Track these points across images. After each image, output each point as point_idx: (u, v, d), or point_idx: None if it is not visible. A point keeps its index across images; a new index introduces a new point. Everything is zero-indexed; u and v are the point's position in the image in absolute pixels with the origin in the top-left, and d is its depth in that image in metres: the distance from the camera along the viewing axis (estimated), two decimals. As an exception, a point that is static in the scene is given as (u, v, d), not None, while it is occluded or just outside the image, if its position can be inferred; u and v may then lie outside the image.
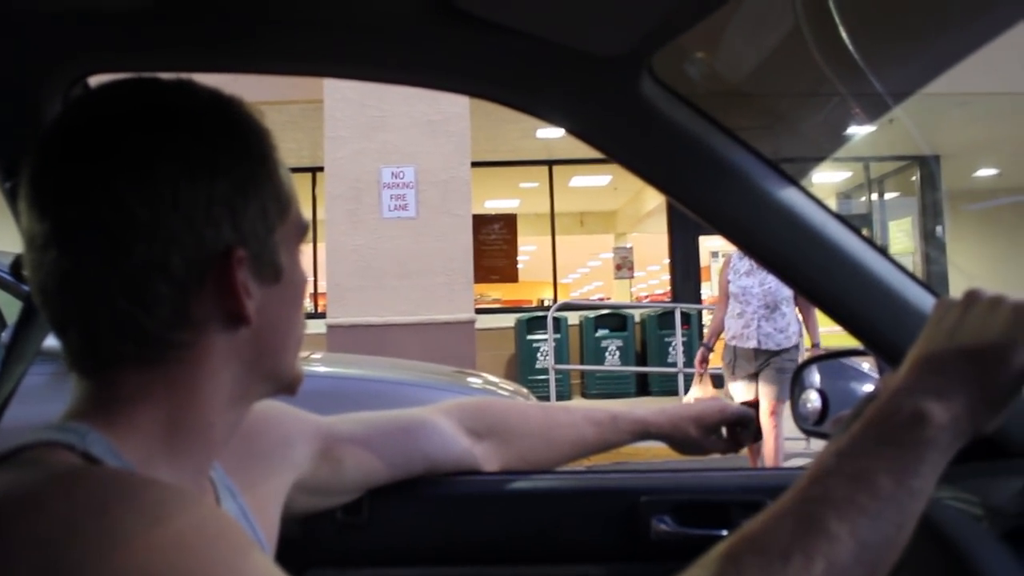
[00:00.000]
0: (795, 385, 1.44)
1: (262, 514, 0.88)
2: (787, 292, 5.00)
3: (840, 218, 1.10)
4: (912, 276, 1.10)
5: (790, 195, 1.07)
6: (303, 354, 4.06)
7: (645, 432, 1.26)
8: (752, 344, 5.10)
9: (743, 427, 1.31)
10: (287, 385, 0.75)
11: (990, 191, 13.46)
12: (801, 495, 0.61)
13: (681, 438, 1.27)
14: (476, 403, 1.24)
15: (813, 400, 1.40)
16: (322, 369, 3.89)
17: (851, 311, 1.09)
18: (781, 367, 5.05)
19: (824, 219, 1.08)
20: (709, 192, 1.07)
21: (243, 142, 0.70)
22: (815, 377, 1.43)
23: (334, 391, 3.46)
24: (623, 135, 1.04)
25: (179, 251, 0.64)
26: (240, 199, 0.67)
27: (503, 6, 0.90)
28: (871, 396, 0.80)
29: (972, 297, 0.70)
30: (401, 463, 1.14)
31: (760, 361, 5.12)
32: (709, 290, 12.18)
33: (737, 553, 0.59)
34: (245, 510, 0.83)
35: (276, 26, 0.95)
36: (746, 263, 5.16)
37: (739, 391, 5.26)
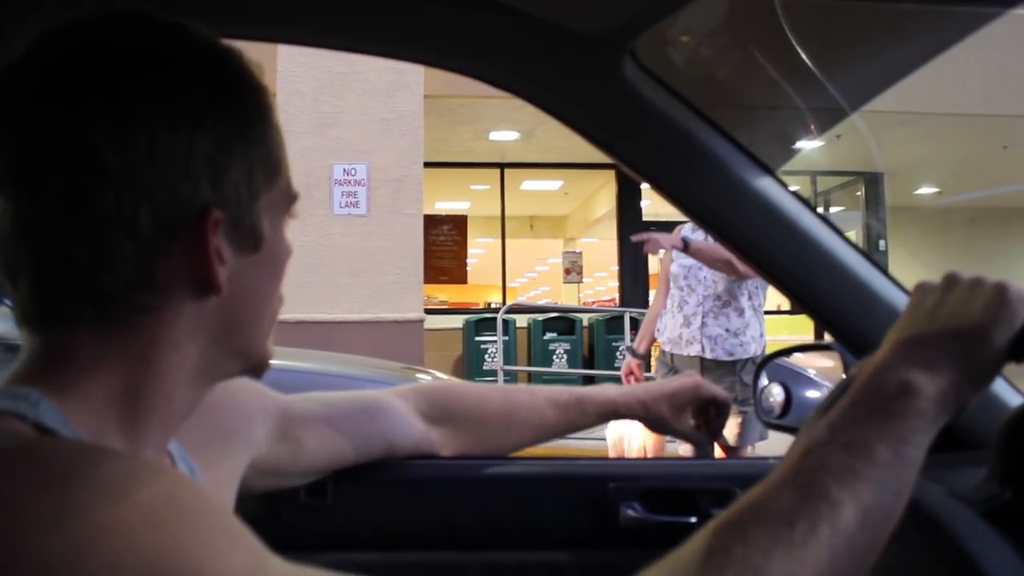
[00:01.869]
0: (757, 378, 1.45)
1: (219, 494, 0.85)
2: (750, 282, 3.54)
3: (813, 210, 1.12)
4: (881, 269, 1.12)
5: (766, 184, 1.08)
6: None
7: (615, 412, 1.22)
8: (693, 350, 3.56)
9: (718, 413, 1.27)
10: (255, 365, 0.70)
11: (931, 208, 13.81)
12: (798, 465, 0.60)
13: (654, 417, 1.22)
14: (433, 387, 1.21)
15: (776, 394, 1.41)
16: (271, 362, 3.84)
17: (822, 301, 1.10)
18: (737, 396, 3.43)
19: (798, 209, 1.10)
20: (685, 177, 1.07)
21: (235, 96, 0.64)
22: (778, 370, 1.45)
23: (282, 384, 3.40)
24: (603, 117, 1.04)
25: (149, 206, 0.59)
26: (223, 157, 0.62)
27: (488, -21, 0.89)
28: (847, 381, 0.80)
29: (951, 280, 0.71)
30: (362, 446, 1.11)
31: (708, 378, 3.67)
32: (656, 297, 12.29)
33: (741, 522, 0.58)
34: (188, 458, 0.79)
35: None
36: (699, 236, 3.53)
37: None
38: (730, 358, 3.52)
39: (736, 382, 3.46)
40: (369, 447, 1.12)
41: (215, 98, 0.63)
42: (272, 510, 1.14)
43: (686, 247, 3.32)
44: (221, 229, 0.62)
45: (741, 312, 3.55)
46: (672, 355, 3.66)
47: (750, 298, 3.57)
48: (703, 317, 3.58)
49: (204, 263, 0.61)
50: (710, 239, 3.32)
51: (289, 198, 0.70)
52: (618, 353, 9.70)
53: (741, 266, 3.25)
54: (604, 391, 1.23)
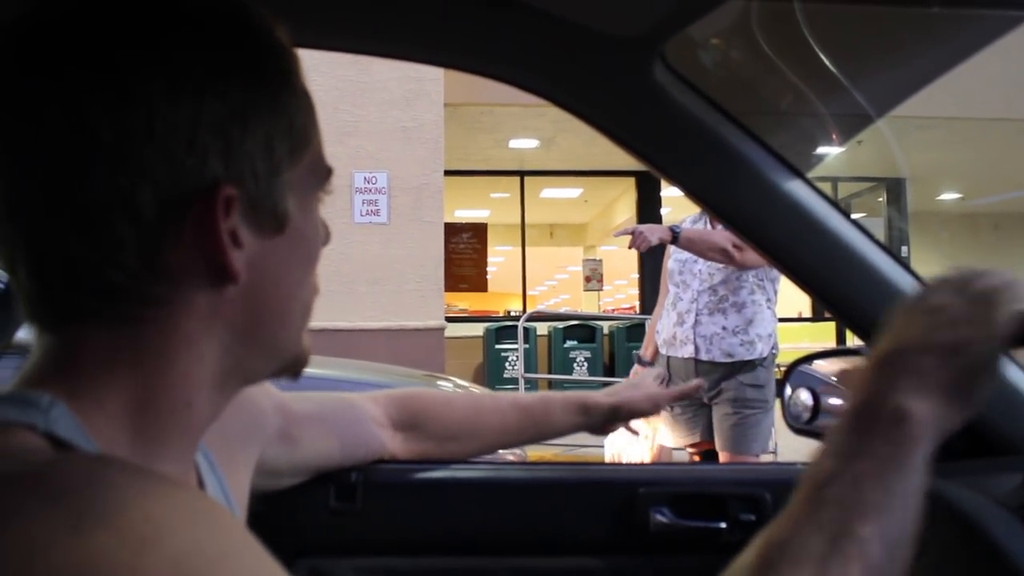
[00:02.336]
0: (784, 385, 1.44)
1: (239, 491, 0.80)
2: (753, 274, 3.13)
3: (843, 213, 1.11)
4: (914, 274, 1.11)
5: (796, 187, 1.08)
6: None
7: (582, 409, 1.22)
8: (687, 351, 3.16)
9: None
10: (289, 364, 0.63)
11: (954, 215, 13.72)
12: (816, 500, 0.58)
13: (626, 402, 1.24)
14: (402, 394, 1.18)
15: (804, 399, 1.40)
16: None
17: (854, 305, 1.09)
18: (739, 396, 3.07)
19: (828, 212, 1.09)
20: (715, 180, 1.07)
21: (250, 57, 0.57)
22: (804, 375, 1.44)
23: (306, 391, 3.41)
24: (633, 120, 1.04)
25: (150, 185, 0.52)
26: (237, 127, 0.55)
27: (518, -17, 0.89)
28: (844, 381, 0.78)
29: (936, 291, 0.69)
30: (348, 447, 1.10)
31: (708, 382, 3.11)
32: (676, 305, 12.25)
33: (775, 565, 0.56)
34: (224, 486, 0.74)
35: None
36: (700, 226, 3.24)
37: (671, 432, 3.32)
38: (729, 359, 3.12)
39: (738, 386, 3.09)
40: (354, 449, 1.11)
41: (226, 60, 0.55)
42: (302, 515, 1.14)
43: (675, 238, 3.06)
44: (237, 209, 0.55)
45: (741, 308, 3.12)
46: (668, 358, 3.28)
47: (753, 292, 3.12)
48: (696, 315, 3.19)
49: (216, 247, 0.54)
50: (707, 226, 3.17)
51: (321, 174, 0.63)
52: (639, 361, 9.68)
53: (740, 254, 2.99)
54: (574, 392, 1.24)
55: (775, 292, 3.25)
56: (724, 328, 3.13)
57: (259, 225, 0.57)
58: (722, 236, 3.01)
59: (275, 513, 1.14)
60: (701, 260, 3.19)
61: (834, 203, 1.11)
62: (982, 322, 0.64)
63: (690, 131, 1.03)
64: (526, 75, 1.03)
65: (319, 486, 1.14)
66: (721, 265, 3.11)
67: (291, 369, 0.64)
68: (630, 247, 3.15)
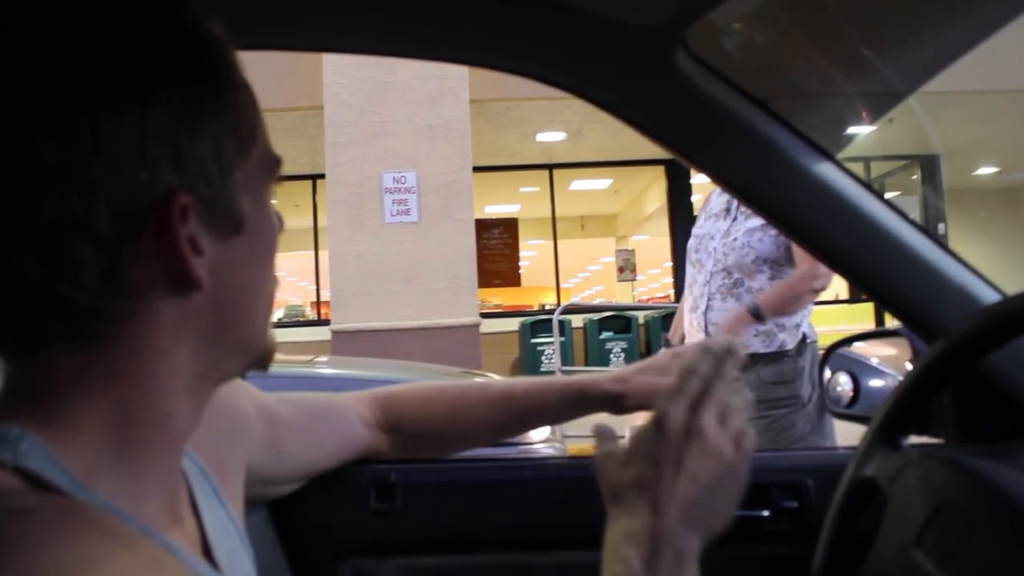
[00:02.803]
0: (823, 368, 1.42)
1: (232, 491, 0.78)
2: (773, 252, 2.72)
3: (876, 193, 1.09)
4: (950, 251, 1.09)
5: (827, 170, 1.06)
6: (306, 358, 3.97)
7: (579, 394, 1.12)
8: (701, 338, 2.80)
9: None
10: (259, 358, 0.64)
11: (991, 189, 13.49)
12: None
13: (632, 389, 1.10)
14: (383, 394, 1.15)
15: (843, 383, 1.38)
16: (329, 371, 3.88)
17: (890, 286, 1.08)
18: (762, 396, 2.64)
19: (861, 194, 1.07)
20: (744, 166, 1.06)
21: (189, 59, 0.55)
22: (843, 359, 1.42)
23: (343, 391, 3.44)
24: (658, 110, 1.03)
25: (103, 202, 0.50)
26: (183, 132, 0.53)
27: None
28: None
29: (668, 429, 0.74)
30: (339, 448, 1.08)
31: None
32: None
33: None
34: (218, 492, 0.72)
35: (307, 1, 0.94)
36: (723, 201, 2.91)
37: None
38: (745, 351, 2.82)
39: (758, 383, 2.65)
40: (343, 450, 1.09)
41: (166, 64, 0.54)
42: (343, 517, 1.15)
43: (759, 315, 2.63)
44: (192, 215, 0.54)
45: (757, 293, 2.72)
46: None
47: (775, 278, 2.71)
48: (709, 299, 2.81)
49: (176, 257, 0.53)
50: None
51: (270, 166, 0.62)
52: (675, 349, 9.64)
53: (821, 280, 2.64)
54: (578, 377, 1.14)
55: None
56: None
57: (217, 228, 0.56)
58: (803, 279, 2.63)
59: (317, 516, 1.15)
60: (717, 236, 2.83)
61: (867, 185, 1.09)
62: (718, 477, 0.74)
63: (717, 118, 1.03)
64: (548, 70, 1.02)
65: (359, 488, 1.15)
66: (740, 244, 2.74)
67: (260, 363, 0.64)
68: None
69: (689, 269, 2.95)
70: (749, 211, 2.65)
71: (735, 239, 2.75)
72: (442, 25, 0.97)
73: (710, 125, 1.03)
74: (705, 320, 2.81)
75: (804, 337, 2.72)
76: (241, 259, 0.59)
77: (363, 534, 1.15)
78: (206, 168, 0.55)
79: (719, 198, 2.94)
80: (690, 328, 2.90)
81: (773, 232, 2.66)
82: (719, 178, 1.07)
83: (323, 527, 1.14)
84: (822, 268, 2.54)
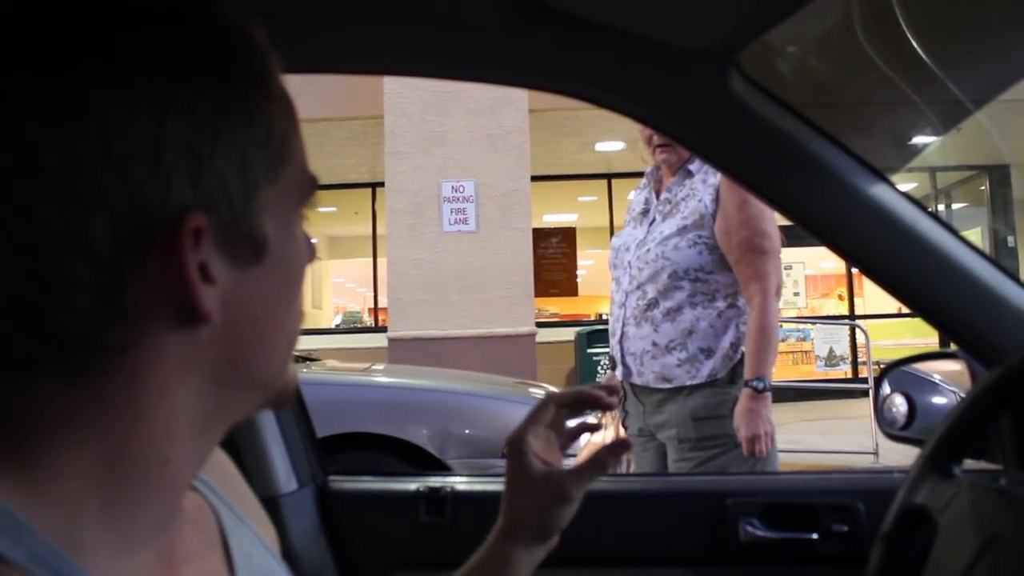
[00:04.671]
0: (879, 387, 1.40)
1: (268, 534, 0.69)
2: (695, 260, 2.27)
3: (933, 216, 1.08)
4: (1009, 273, 1.08)
5: (881, 191, 1.06)
6: (363, 365, 3.96)
7: (507, 537, 0.86)
8: (620, 373, 2.40)
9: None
10: (274, 397, 0.57)
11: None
12: None
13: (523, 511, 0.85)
14: None
15: (899, 404, 1.36)
16: (386, 380, 3.92)
17: (947, 310, 1.07)
18: (685, 435, 2.24)
19: (916, 215, 1.06)
20: (797, 188, 1.05)
21: (220, 59, 0.49)
22: (900, 378, 1.40)
23: (400, 402, 3.48)
24: (711, 132, 1.04)
25: (106, 215, 0.44)
26: (205, 144, 0.47)
27: (590, 1, 0.90)
28: None
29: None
30: None
31: (647, 410, 2.35)
32: (771, 303, 12.00)
33: None
34: (242, 517, 0.65)
35: (364, 26, 0.96)
36: (641, 200, 2.52)
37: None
38: (666, 384, 2.28)
39: (682, 420, 2.25)
40: None
41: (191, 63, 0.48)
42: (392, 530, 1.17)
43: (761, 389, 2.18)
44: (207, 238, 0.47)
45: (675, 315, 2.27)
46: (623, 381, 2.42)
47: (693, 295, 2.28)
48: (623, 324, 2.38)
49: (183, 285, 0.47)
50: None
51: (304, 188, 0.55)
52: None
53: (775, 278, 2.26)
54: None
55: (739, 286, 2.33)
56: (655, 344, 2.29)
57: (234, 255, 0.49)
58: (764, 313, 2.22)
59: (367, 529, 1.17)
60: (632, 246, 2.41)
61: (922, 207, 1.08)
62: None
63: (770, 140, 1.02)
64: (604, 93, 1.03)
65: (409, 501, 1.17)
66: (654, 256, 2.31)
67: (275, 403, 0.57)
68: (756, 455, 2.17)
69: (612, 287, 2.50)
70: (667, 211, 2.37)
71: (648, 249, 2.32)
72: (499, 50, 0.99)
73: (764, 147, 1.03)
74: (621, 350, 2.38)
75: (742, 360, 2.23)
76: (260, 290, 0.52)
77: (413, 547, 1.17)
78: (227, 185, 0.48)
79: (639, 196, 2.52)
80: (614, 357, 2.44)
81: (691, 235, 2.27)
82: (772, 200, 1.07)
83: (373, 540, 1.16)
84: (773, 281, 2.23)
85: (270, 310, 0.53)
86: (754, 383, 2.16)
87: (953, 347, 1.22)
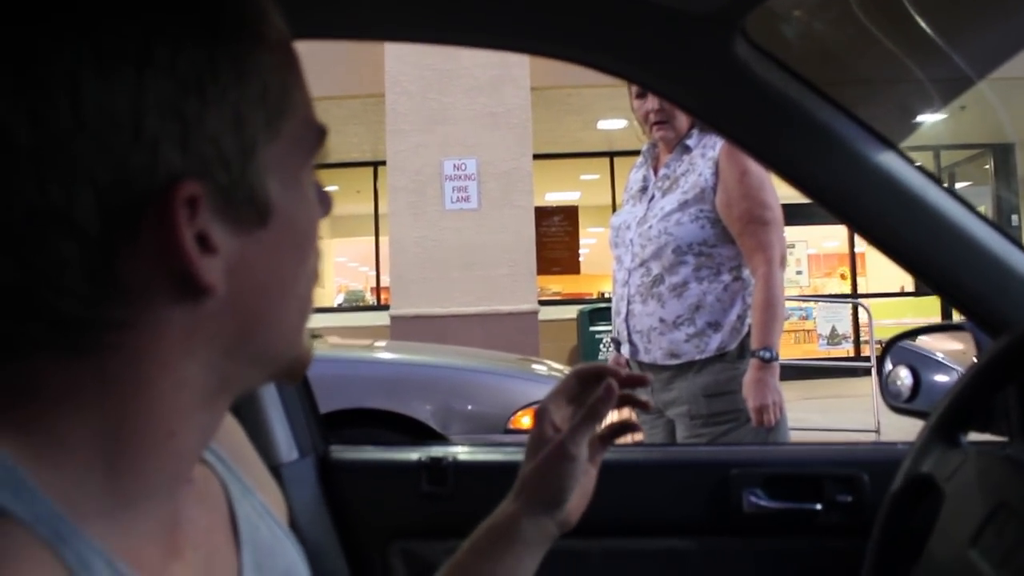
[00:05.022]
0: (883, 361, 1.40)
1: (276, 504, 0.68)
2: (698, 234, 2.28)
3: (940, 184, 1.07)
4: (1018, 244, 1.06)
5: (888, 160, 1.04)
6: (366, 342, 3.98)
7: (502, 534, 0.82)
8: (626, 351, 2.43)
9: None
10: (287, 368, 0.54)
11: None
12: None
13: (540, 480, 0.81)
14: None
15: (903, 377, 1.36)
16: (388, 356, 3.92)
17: (954, 280, 1.05)
18: (697, 412, 2.24)
19: (924, 184, 1.05)
20: (803, 156, 1.04)
21: (200, 9, 0.45)
22: (905, 352, 1.39)
23: (402, 378, 3.49)
24: (716, 98, 1.02)
25: (89, 190, 0.42)
26: (192, 104, 0.44)
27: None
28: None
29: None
30: None
31: (656, 387, 2.33)
32: (773, 282, 11.99)
33: None
34: (251, 488, 0.64)
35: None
36: (639, 178, 2.52)
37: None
38: (674, 360, 2.28)
39: (693, 396, 2.25)
40: None
41: (167, 17, 0.44)
42: (394, 499, 1.16)
43: (770, 357, 2.18)
44: (204, 207, 0.44)
45: (681, 290, 2.28)
46: (628, 359, 2.45)
47: (699, 269, 2.28)
48: (628, 302, 2.38)
49: (180, 258, 0.44)
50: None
51: (310, 140, 0.51)
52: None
53: (778, 248, 2.25)
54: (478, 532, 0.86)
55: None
56: (662, 320, 2.30)
57: (236, 220, 0.46)
58: (768, 285, 2.22)
59: (368, 497, 1.17)
60: (633, 224, 2.40)
61: (932, 175, 1.07)
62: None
63: (775, 106, 1.01)
64: (607, 58, 1.02)
65: (411, 470, 1.17)
66: (656, 232, 2.31)
67: (291, 374, 0.55)
68: (764, 425, 2.17)
69: (613, 266, 2.52)
70: (666, 187, 2.36)
71: (650, 226, 2.32)
72: (499, 14, 0.97)
73: (769, 113, 1.02)
74: (627, 328, 2.38)
75: (749, 332, 2.25)
76: (268, 255, 0.48)
77: (414, 517, 1.17)
78: (222, 148, 0.45)
79: (636, 174, 2.54)
80: (619, 336, 2.46)
81: (693, 210, 2.27)
82: (777, 167, 1.05)
83: (374, 510, 1.16)
84: (776, 252, 2.22)
85: (279, 275, 0.50)
86: (761, 353, 2.16)
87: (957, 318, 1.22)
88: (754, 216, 2.21)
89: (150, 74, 0.42)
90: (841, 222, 1.10)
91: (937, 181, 1.06)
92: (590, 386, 0.83)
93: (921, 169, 1.06)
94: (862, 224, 1.06)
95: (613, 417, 0.83)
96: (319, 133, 0.52)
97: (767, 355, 2.16)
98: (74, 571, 0.42)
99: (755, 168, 2.22)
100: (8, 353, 0.45)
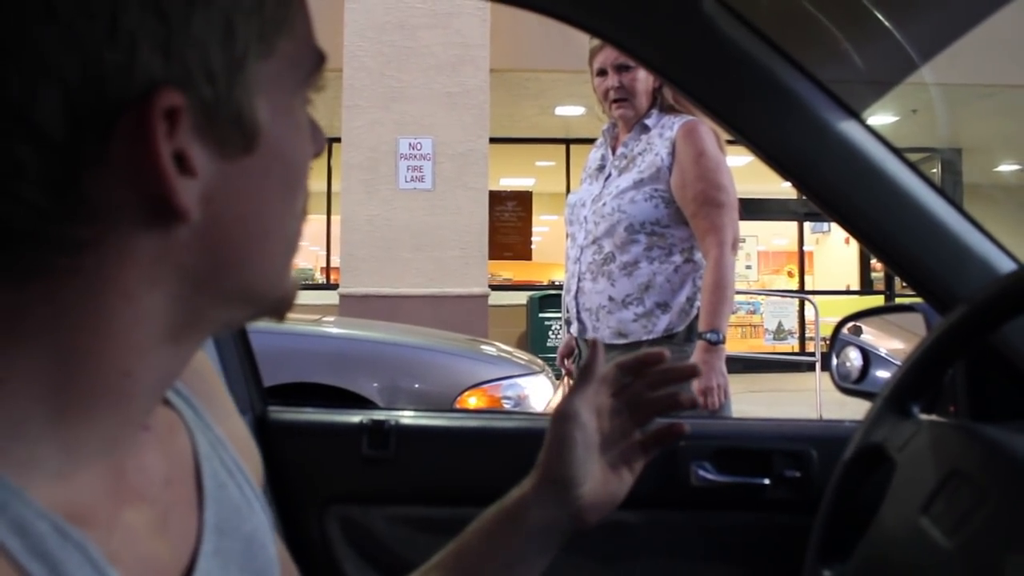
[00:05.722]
0: (833, 342, 1.39)
1: (250, 460, 0.63)
2: (651, 213, 2.27)
3: (902, 156, 1.05)
4: (974, 221, 1.05)
5: (851, 128, 1.02)
6: (314, 317, 3.93)
7: (515, 517, 0.76)
8: (574, 329, 2.44)
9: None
10: (269, 307, 0.50)
11: (1013, 186, 13.35)
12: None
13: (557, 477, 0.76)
14: None
15: (853, 359, 1.35)
16: (336, 331, 3.86)
17: (908, 253, 1.04)
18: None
19: (885, 155, 1.04)
20: (764, 118, 1.02)
21: None
22: (856, 333, 1.39)
23: (349, 353, 3.43)
24: (681, 55, 1.00)
25: (56, 88, 0.38)
26: (179, 4, 0.40)
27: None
28: None
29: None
30: None
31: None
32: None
33: None
34: (223, 441, 0.59)
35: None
36: (597, 157, 2.52)
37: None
38: (622, 340, 2.27)
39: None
40: None
41: None
42: (334, 462, 1.12)
43: (717, 340, 2.17)
44: (184, 122, 0.40)
45: (631, 269, 2.26)
46: (577, 338, 2.49)
47: (650, 248, 2.26)
48: (579, 279, 2.38)
49: (155, 177, 0.40)
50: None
51: (306, 64, 0.48)
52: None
53: (731, 230, 2.22)
54: (491, 512, 0.79)
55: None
56: (611, 299, 2.29)
57: (219, 142, 0.42)
58: (720, 268, 2.21)
59: (307, 460, 1.13)
60: (588, 202, 2.41)
61: (893, 148, 1.05)
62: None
63: (739, 66, 0.99)
64: (571, 8, 0.98)
65: (352, 433, 1.13)
66: (610, 209, 2.30)
67: (273, 312, 0.51)
68: (708, 408, 2.17)
69: (567, 244, 2.51)
70: (623, 165, 2.35)
71: (604, 203, 2.32)
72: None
73: (732, 73, 0.99)
74: (577, 305, 2.38)
75: (698, 315, 2.24)
76: (252, 186, 0.45)
77: (353, 481, 1.13)
78: (208, 57, 0.41)
79: (595, 153, 2.53)
80: (568, 314, 2.47)
81: (648, 189, 2.26)
82: (736, 128, 1.03)
83: (313, 472, 1.12)
84: (729, 234, 2.20)
85: (263, 209, 0.46)
86: (708, 335, 2.16)
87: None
88: (708, 197, 2.20)
89: None
90: (798, 188, 1.08)
91: (898, 153, 1.05)
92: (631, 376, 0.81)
93: (882, 139, 1.04)
94: (819, 191, 1.05)
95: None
96: (318, 58, 0.48)
97: (714, 337, 2.15)
98: (4, 544, 0.38)
99: (712, 150, 2.22)
100: None
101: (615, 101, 2.37)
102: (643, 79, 2.34)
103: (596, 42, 2.37)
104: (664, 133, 2.29)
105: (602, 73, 2.40)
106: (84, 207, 0.40)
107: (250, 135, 0.43)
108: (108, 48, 0.38)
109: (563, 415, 0.75)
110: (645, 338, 2.25)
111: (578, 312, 2.38)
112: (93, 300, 0.41)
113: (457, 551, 0.76)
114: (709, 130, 2.26)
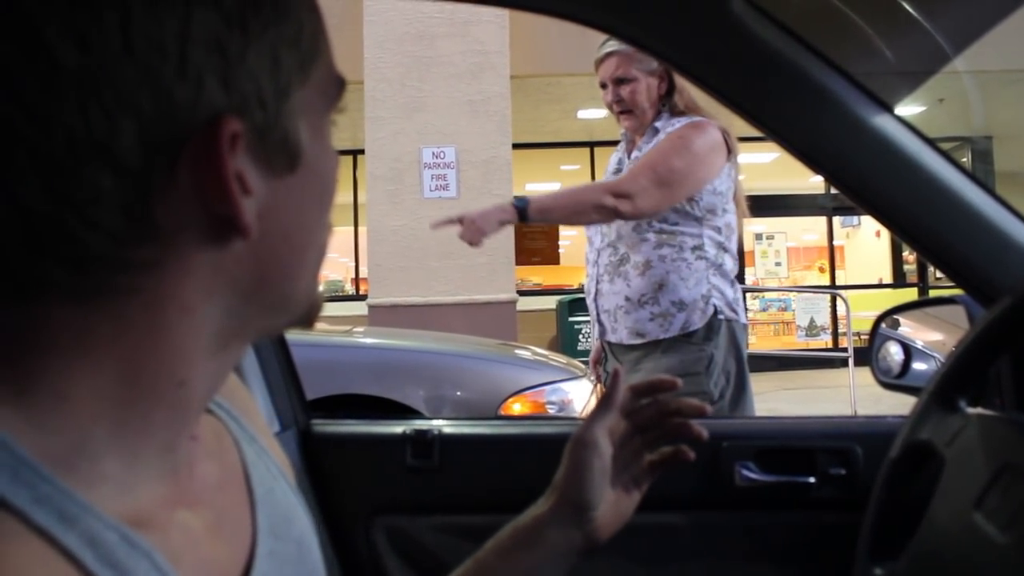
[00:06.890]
0: (874, 336, 1.38)
1: (275, 453, 0.66)
2: (669, 216, 2.29)
3: (938, 148, 1.05)
4: (1014, 211, 1.04)
5: (885, 122, 1.02)
6: (344, 328, 3.94)
7: (533, 532, 0.80)
8: (596, 331, 2.47)
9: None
10: (301, 316, 0.53)
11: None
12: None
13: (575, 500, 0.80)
14: None
15: (894, 353, 1.34)
16: (376, 341, 3.88)
17: (948, 246, 1.03)
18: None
19: (920, 147, 1.03)
20: (798, 117, 1.02)
21: None
22: (895, 327, 1.38)
23: (392, 363, 3.44)
24: (711, 56, 1.00)
25: (132, 119, 0.40)
26: (235, 40, 0.43)
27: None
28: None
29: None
30: None
31: (629, 368, 2.30)
32: (753, 274, 12.03)
33: None
34: (266, 450, 0.63)
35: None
36: (614, 160, 2.55)
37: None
38: (639, 340, 2.27)
39: (658, 373, 2.05)
40: None
41: None
42: (379, 473, 1.13)
43: (523, 214, 2.18)
44: (242, 145, 0.44)
45: (645, 269, 2.26)
46: (602, 340, 2.49)
47: (659, 246, 2.26)
48: (597, 281, 2.40)
49: (222, 197, 0.43)
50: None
51: (332, 90, 0.51)
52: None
53: (631, 204, 2.20)
54: (507, 531, 0.84)
55: (721, 240, 2.33)
56: (627, 299, 2.29)
57: (268, 163, 0.46)
58: (595, 189, 2.31)
59: (352, 472, 1.13)
60: None
61: (927, 139, 1.04)
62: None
63: (770, 65, 0.98)
64: (601, 14, 0.99)
65: (396, 444, 1.13)
66: None
67: (304, 320, 0.54)
68: (466, 240, 2.30)
69: (586, 248, 2.54)
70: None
71: None
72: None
73: (763, 72, 0.99)
74: (596, 307, 2.41)
75: (716, 313, 2.23)
76: (294, 202, 0.48)
77: (398, 491, 1.14)
78: (260, 86, 0.44)
79: (615, 156, 2.55)
80: (592, 317, 2.50)
81: None
82: (769, 128, 1.03)
83: (358, 483, 1.13)
84: (635, 187, 2.20)
85: (303, 223, 0.50)
86: (518, 201, 2.19)
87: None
88: (649, 160, 2.20)
89: (197, 6, 0.42)
90: (834, 185, 1.07)
91: (933, 145, 1.04)
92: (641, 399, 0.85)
93: (917, 132, 1.04)
94: (855, 187, 1.04)
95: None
96: (340, 84, 0.52)
97: (520, 203, 2.17)
98: (74, 554, 0.40)
99: (696, 143, 2.21)
100: (18, 293, 0.42)
101: (620, 113, 2.40)
102: (644, 90, 2.35)
103: (600, 53, 2.40)
104: (669, 132, 2.30)
105: (603, 87, 2.43)
106: (153, 229, 0.43)
107: (294, 155, 0.47)
108: (179, 83, 0.41)
109: (582, 442, 0.80)
110: (662, 337, 2.24)
111: (598, 314, 2.41)
112: (154, 315, 0.44)
113: (475, 569, 0.80)
114: (714, 131, 2.24)
